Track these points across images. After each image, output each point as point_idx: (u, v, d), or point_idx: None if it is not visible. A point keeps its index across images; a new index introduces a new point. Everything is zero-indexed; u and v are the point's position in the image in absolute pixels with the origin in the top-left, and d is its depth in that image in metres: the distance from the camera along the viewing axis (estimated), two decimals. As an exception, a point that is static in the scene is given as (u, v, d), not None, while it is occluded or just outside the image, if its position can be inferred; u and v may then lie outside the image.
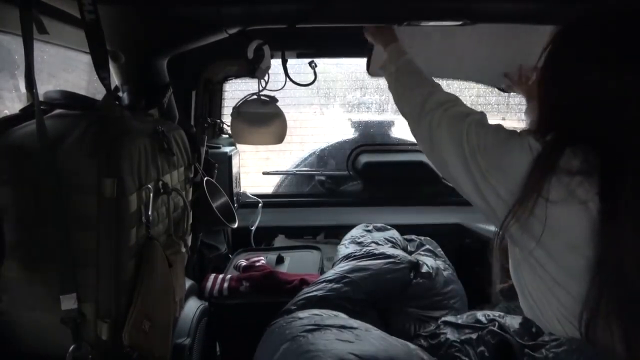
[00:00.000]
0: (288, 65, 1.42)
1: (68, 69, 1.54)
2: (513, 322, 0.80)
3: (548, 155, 0.70)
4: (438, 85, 0.97)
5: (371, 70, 1.37)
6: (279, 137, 1.44)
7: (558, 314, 0.73)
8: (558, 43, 0.78)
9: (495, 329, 0.81)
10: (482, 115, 0.84)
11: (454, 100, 0.89)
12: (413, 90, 0.97)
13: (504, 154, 0.74)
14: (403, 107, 1.01)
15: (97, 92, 1.26)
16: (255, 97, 1.40)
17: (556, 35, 0.79)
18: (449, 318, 0.94)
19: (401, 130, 2.38)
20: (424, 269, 1.32)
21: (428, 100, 0.90)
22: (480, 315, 0.89)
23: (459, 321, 0.91)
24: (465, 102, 0.90)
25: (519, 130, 0.78)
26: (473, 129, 0.79)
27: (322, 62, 1.51)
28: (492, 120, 0.83)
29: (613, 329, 0.66)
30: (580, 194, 0.67)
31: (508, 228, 0.73)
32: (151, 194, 0.91)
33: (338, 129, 2.51)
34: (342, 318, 0.92)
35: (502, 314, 0.87)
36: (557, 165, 0.68)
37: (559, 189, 0.67)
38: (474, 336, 0.83)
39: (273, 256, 1.61)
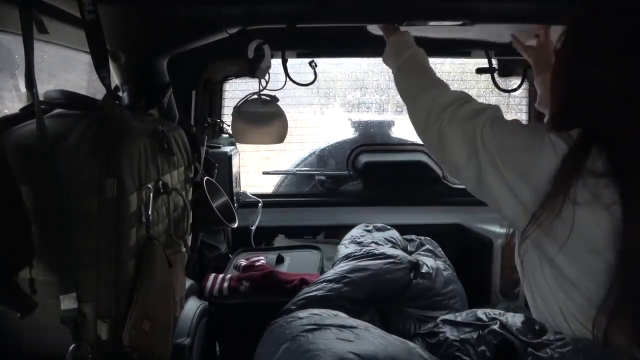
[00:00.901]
0: (288, 65, 1.42)
1: (68, 69, 1.54)
2: (515, 320, 0.80)
3: (575, 155, 0.67)
4: (444, 86, 0.91)
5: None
6: (280, 137, 1.44)
7: (570, 317, 0.72)
8: (563, 44, 0.79)
9: (496, 328, 0.80)
10: (496, 110, 0.79)
11: (464, 98, 0.84)
12: (418, 96, 0.91)
13: (525, 154, 0.71)
14: (408, 110, 0.95)
15: (97, 92, 1.26)
16: (255, 96, 1.40)
17: (562, 36, 0.80)
18: (448, 316, 0.94)
19: (401, 130, 2.38)
20: (424, 269, 1.32)
21: (435, 105, 0.84)
22: (480, 313, 0.88)
23: (459, 319, 0.90)
24: None
25: (537, 126, 0.76)
26: (488, 128, 0.74)
27: (322, 62, 1.51)
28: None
29: (630, 331, 0.66)
30: (605, 197, 0.65)
31: (531, 231, 0.70)
32: (151, 194, 0.91)
33: (338, 129, 2.50)
34: (341, 317, 0.92)
35: (503, 312, 0.86)
36: (584, 166, 0.66)
37: (585, 192, 0.66)
38: (474, 335, 0.83)
39: (273, 256, 1.61)
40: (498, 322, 0.82)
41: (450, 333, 0.87)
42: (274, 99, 1.41)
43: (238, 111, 1.41)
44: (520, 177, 0.70)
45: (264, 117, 1.40)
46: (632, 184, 0.65)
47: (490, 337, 0.80)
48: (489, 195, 0.75)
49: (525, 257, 0.79)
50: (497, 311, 0.87)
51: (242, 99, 1.41)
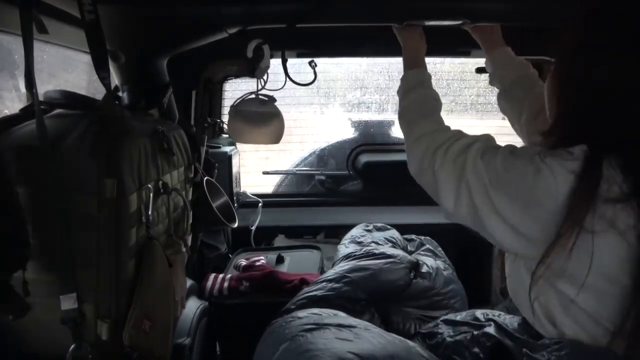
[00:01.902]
0: (288, 64, 1.42)
1: (68, 69, 1.54)
2: (513, 321, 0.80)
3: (587, 182, 0.61)
4: (443, 130, 0.86)
5: None
6: (276, 137, 1.44)
7: (573, 337, 0.68)
8: (566, 45, 0.73)
9: (491, 330, 0.80)
10: (487, 141, 0.76)
11: (456, 135, 0.81)
12: (416, 139, 0.87)
13: (520, 185, 0.65)
14: (406, 148, 0.92)
15: (97, 92, 1.26)
16: (253, 96, 1.40)
17: (563, 38, 0.74)
18: (449, 316, 0.94)
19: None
20: (424, 269, 1.32)
21: (429, 147, 0.81)
22: (479, 313, 0.88)
23: (458, 318, 0.91)
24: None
25: (530, 150, 0.69)
26: (480, 162, 0.70)
27: (322, 62, 1.50)
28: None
29: None
30: (620, 223, 0.60)
31: (542, 270, 0.65)
32: (151, 194, 0.92)
33: (338, 129, 2.50)
34: (341, 317, 0.92)
35: (501, 313, 0.86)
36: (598, 193, 0.60)
37: (600, 220, 0.60)
38: (468, 336, 0.83)
39: (273, 256, 1.61)
40: (494, 323, 0.82)
41: (447, 334, 0.88)
42: (272, 99, 1.41)
43: (235, 110, 1.40)
44: (518, 210, 0.65)
45: (261, 117, 1.40)
46: None
47: (484, 339, 0.80)
48: (487, 232, 0.71)
49: (516, 279, 0.74)
50: (496, 312, 0.88)
51: (239, 98, 1.41)
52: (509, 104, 1.09)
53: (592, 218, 0.60)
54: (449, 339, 0.86)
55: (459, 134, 0.81)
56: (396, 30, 1.12)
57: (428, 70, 1.04)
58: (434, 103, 0.96)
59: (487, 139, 0.77)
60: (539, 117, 0.96)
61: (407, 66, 1.05)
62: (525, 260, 0.70)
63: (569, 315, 0.67)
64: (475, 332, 0.83)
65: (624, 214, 0.60)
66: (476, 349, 0.79)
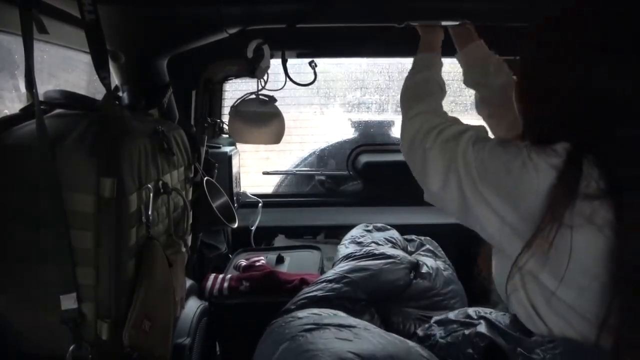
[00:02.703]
0: (288, 65, 1.42)
1: (68, 69, 1.54)
2: (504, 318, 0.80)
3: (567, 179, 0.62)
4: (440, 113, 0.88)
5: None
6: (277, 137, 1.44)
7: (560, 334, 0.68)
8: (556, 43, 0.70)
9: (482, 330, 0.80)
10: (479, 131, 0.76)
11: (451, 120, 0.81)
12: (413, 116, 0.88)
13: (505, 177, 0.66)
14: (402, 125, 0.92)
15: (97, 92, 1.26)
16: (253, 96, 1.40)
17: (538, 34, 0.73)
18: (442, 316, 0.94)
19: (401, 130, 2.39)
20: (424, 269, 1.32)
21: (423, 126, 0.82)
22: (471, 311, 0.88)
23: (450, 316, 0.90)
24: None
25: (518, 144, 0.69)
26: (470, 150, 0.71)
27: (322, 62, 1.51)
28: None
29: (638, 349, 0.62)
30: (598, 219, 0.61)
31: (524, 261, 0.65)
32: (151, 194, 0.91)
33: (338, 129, 2.51)
34: (341, 317, 0.92)
35: (492, 310, 0.86)
36: (577, 190, 0.61)
37: (579, 216, 0.61)
38: (460, 336, 0.83)
39: (273, 256, 1.61)
40: (485, 321, 0.81)
41: (439, 335, 0.87)
42: (272, 99, 1.41)
43: (235, 110, 1.41)
44: (504, 201, 0.66)
45: (261, 117, 1.40)
46: (631, 201, 0.60)
47: (477, 339, 0.80)
48: (475, 220, 0.72)
49: (514, 292, 0.73)
50: (487, 310, 0.87)
51: (240, 98, 1.42)
52: (487, 111, 1.09)
53: (571, 213, 0.61)
54: (441, 341, 0.86)
55: (455, 120, 0.82)
56: None
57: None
58: (437, 88, 0.97)
59: (480, 130, 0.77)
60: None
61: (421, 48, 1.06)
62: (510, 254, 0.70)
63: (551, 308, 0.67)
64: (467, 332, 0.83)
65: (603, 210, 0.60)
66: (470, 350, 0.79)
